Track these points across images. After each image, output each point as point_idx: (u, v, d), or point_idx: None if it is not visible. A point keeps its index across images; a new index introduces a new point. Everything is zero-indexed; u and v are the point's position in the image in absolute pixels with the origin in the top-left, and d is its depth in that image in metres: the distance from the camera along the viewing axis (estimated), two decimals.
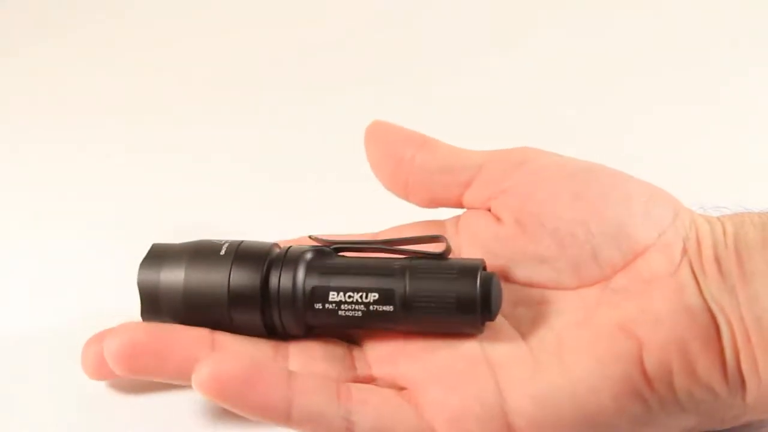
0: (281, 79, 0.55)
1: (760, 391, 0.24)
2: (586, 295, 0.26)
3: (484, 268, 0.27)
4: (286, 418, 0.25)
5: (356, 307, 0.27)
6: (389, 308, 0.26)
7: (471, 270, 0.26)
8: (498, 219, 0.28)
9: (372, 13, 0.62)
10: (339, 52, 0.58)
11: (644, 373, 0.24)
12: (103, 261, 0.38)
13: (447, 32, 0.60)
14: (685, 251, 0.26)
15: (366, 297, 0.26)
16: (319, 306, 0.27)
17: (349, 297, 0.27)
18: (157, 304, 0.28)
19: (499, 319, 0.27)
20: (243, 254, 0.28)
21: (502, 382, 0.25)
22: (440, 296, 0.26)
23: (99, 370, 0.29)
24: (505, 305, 0.27)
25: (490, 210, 0.29)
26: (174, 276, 0.28)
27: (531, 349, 0.26)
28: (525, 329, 0.27)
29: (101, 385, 0.30)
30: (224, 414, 0.28)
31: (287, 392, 0.25)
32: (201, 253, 0.28)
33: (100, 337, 0.28)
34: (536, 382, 0.25)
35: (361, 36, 0.60)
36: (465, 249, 0.29)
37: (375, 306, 0.26)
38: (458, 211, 0.30)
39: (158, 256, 0.29)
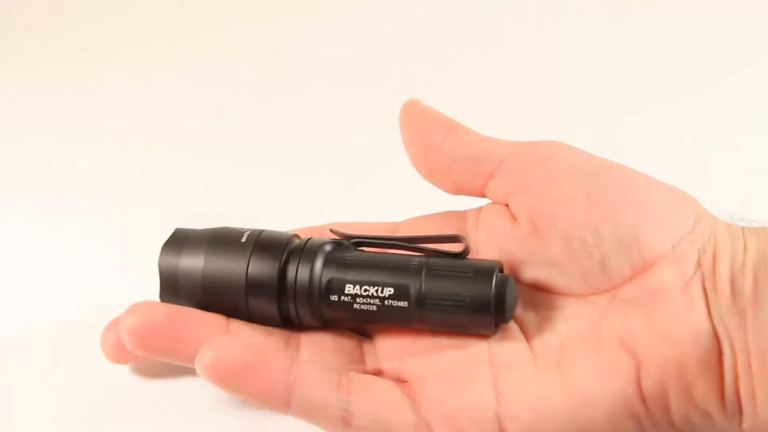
0: (286, 71, 0.55)
1: (756, 419, 0.23)
2: (594, 303, 0.26)
3: (501, 270, 0.27)
4: (285, 405, 0.25)
5: (371, 301, 0.27)
6: (404, 304, 0.26)
7: (487, 271, 0.26)
8: (514, 217, 0.28)
9: (380, 5, 0.62)
10: (352, 42, 0.58)
11: (640, 392, 0.24)
12: (111, 256, 0.38)
13: (451, 25, 0.60)
14: (699, 265, 0.25)
15: (381, 291, 0.27)
16: (334, 298, 0.27)
17: (365, 290, 0.27)
18: (175, 288, 0.29)
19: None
20: (263, 243, 0.28)
21: (502, 386, 0.25)
22: (455, 296, 0.26)
23: (118, 353, 0.29)
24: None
25: (508, 206, 0.28)
26: (194, 260, 0.28)
27: (534, 354, 0.26)
28: (531, 333, 0.27)
29: (106, 377, 0.31)
30: (235, 401, 0.29)
31: (287, 380, 0.25)
32: (222, 239, 0.28)
33: (119, 322, 0.29)
34: (534, 389, 0.25)
35: (370, 28, 0.60)
36: (482, 245, 0.29)
37: (390, 301, 0.27)
38: (484, 201, 0.30)
39: (180, 240, 0.29)
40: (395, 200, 0.33)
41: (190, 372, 0.30)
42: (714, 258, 0.25)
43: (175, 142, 0.48)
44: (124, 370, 0.31)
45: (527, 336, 0.27)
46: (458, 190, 0.29)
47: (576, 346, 0.25)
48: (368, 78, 0.54)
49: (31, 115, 0.53)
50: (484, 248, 0.29)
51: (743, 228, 0.26)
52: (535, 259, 0.27)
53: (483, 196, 0.29)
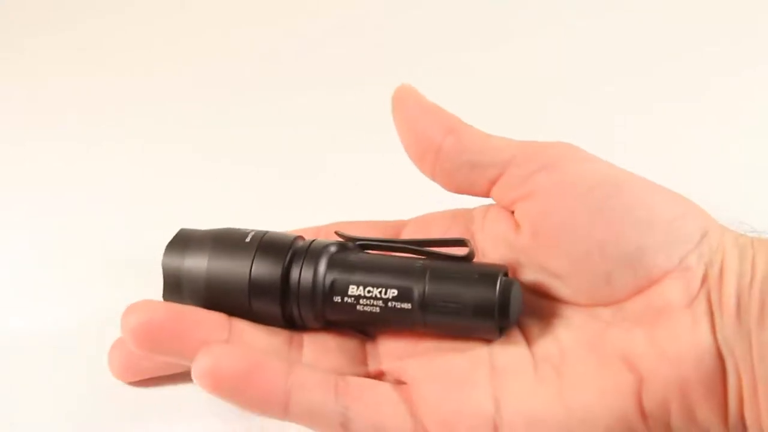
0: (286, 71, 0.55)
1: None
2: (598, 315, 0.26)
3: (506, 275, 0.27)
4: (284, 412, 0.25)
5: (374, 303, 0.27)
6: (407, 306, 0.26)
7: (492, 276, 0.26)
8: (518, 224, 0.27)
9: (380, 5, 0.62)
10: (352, 42, 0.58)
11: (641, 410, 0.23)
12: (110, 255, 0.38)
13: (451, 25, 0.60)
14: (705, 280, 0.24)
15: (385, 293, 0.26)
16: (338, 299, 0.27)
17: (368, 292, 0.27)
18: (179, 288, 0.28)
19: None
20: (267, 244, 0.28)
21: (500, 394, 0.25)
22: (459, 299, 0.26)
23: (125, 371, 0.29)
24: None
25: (513, 212, 0.28)
26: (198, 261, 0.28)
27: (535, 362, 0.26)
28: (533, 338, 0.26)
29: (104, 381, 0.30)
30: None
31: (285, 387, 0.25)
32: (226, 240, 0.28)
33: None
34: (532, 400, 0.24)
35: (370, 28, 0.60)
36: (487, 249, 0.28)
37: (393, 303, 0.26)
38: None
39: (184, 240, 0.29)
40: (398, 199, 0.33)
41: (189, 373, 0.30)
42: (721, 272, 0.24)
43: (176, 142, 0.48)
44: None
45: (529, 341, 0.26)
46: (460, 192, 0.29)
47: (577, 357, 0.25)
48: (368, 78, 0.54)
49: (31, 115, 0.53)
50: (489, 252, 0.28)
51: (753, 240, 0.25)
52: (538, 268, 0.27)
53: (487, 197, 0.29)
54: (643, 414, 0.23)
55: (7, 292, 0.37)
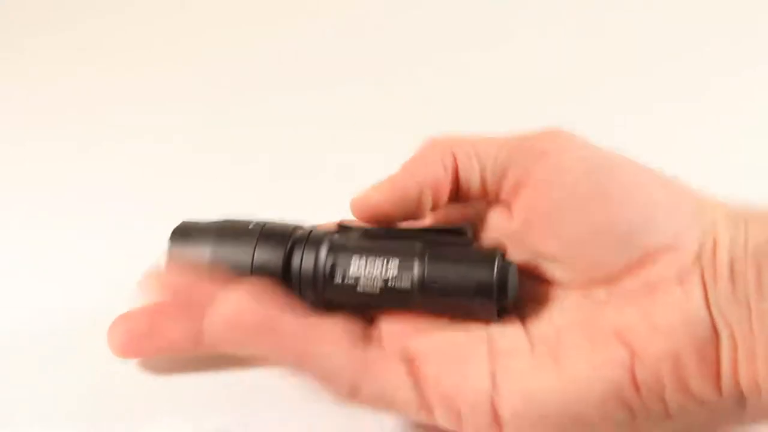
0: (286, 71, 0.55)
1: (760, 404, 0.23)
2: (592, 295, 0.26)
3: (504, 256, 0.27)
4: (299, 364, 0.25)
5: (374, 284, 0.27)
6: (406, 286, 0.27)
7: (489, 257, 0.26)
8: (510, 214, 0.28)
9: (380, 4, 0.62)
10: (352, 42, 0.58)
11: (635, 383, 0.24)
12: (111, 255, 0.38)
13: (451, 25, 0.60)
14: (698, 257, 0.25)
15: (385, 273, 0.27)
16: (338, 281, 0.27)
17: (368, 272, 0.27)
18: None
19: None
20: (268, 232, 0.28)
21: (498, 372, 0.25)
22: (457, 280, 0.26)
23: (126, 347, 0.30)
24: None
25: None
26: (201, 249, 0.28)
27: (531, 341, 0.26)
28: (528, 322, 0.27)
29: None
30: (235, 400, 0.29)
31: (304, 338, 0.25)
32: (229, 229, 0.29)
33: (125, 317, 0.30)
34: (529, 378, 0.25)
35: (370, 28, 0.60)
36: (480, 238, 0.29)
37: (393, 282, 0.27)
38: None
39: (187, 230, 0.29)
40: None
41: (189, 371, 0.30)
42: (714, 245, 0.24)
43: (175, 142, 0.48)
44: (124, 369, 0.31)
45: (524, 323, 0.27)
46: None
47: (572, 337, 0.25)
48: (369, 78, 0.54)
49: (31, 115, 0.53)
50: (482, 241, 0.29)
51: (745, 213, 0.25)
52: (531, 252, 0.27)
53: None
54: (636, 387, 0.24)
55: (7, 292, 0.37)
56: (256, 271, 0.28)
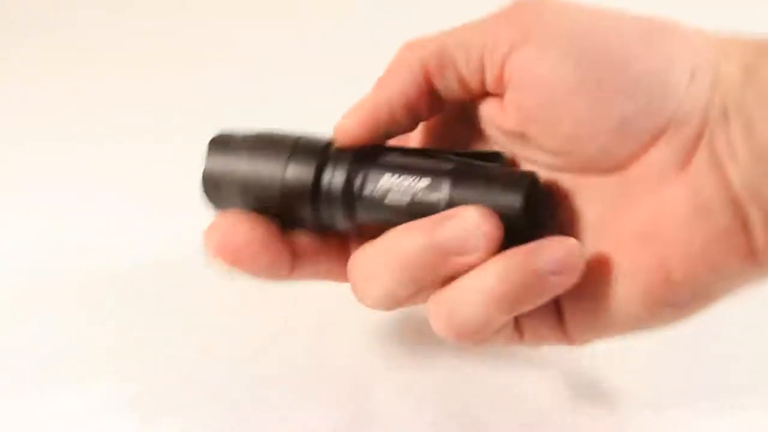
0: (286, 71, 0.55)
1: None
2: (604, 188, 0.25)
3: (536, 182, 0.26)
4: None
5: (403, 197, 0.27)
6: (435, 198, 0.26)
7: (520, 181, 0.26)
8: (502, 106, 0.27)
9: (379, 4, 0.63)
10: (351, 41, 0.58)
11: (670, 283, 0.23)
12: (110, 255, 0.38)
13: (450, 24, 0.60)
14: (703, 125, 0.23)
15: (416, 183, 0.27)
16: (368, 191, 0.27)
17: (398, 183, 0.27)
18: (217, 188, 0.29)
19: None
20: (302, 146, 0.29)
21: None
22: (486, 203, 0.25)
23: (221, 250, 0.28)
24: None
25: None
26: (235, 162, 0.29)
27: None
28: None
29: None
30: (232, 397, 0.28)
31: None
32: (263, 141, 0.29)
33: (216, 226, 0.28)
34: None
35: (369, 27, 0.60)
36: (483, 131, 0.28)
37: (422, 193, 0.26)
38: None
39: (224, 141, 0.30)
40: None
41: (189, 370, 0.30)
42: (725, 113, 0.23)
43: (175, 141, 0.48)
44: (123, 369, 0.31)
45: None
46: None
47: (593, 246, 0.25)
48: (369, 78, 0.54)
49: (30, 115, 0.53)
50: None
51: (757, 48, 0.24)
52: (532, 153, 0.27)
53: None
54: (673, 287, 0.24)
55: (7, 292, 0.37)
56: (286, 184, 0.28)
